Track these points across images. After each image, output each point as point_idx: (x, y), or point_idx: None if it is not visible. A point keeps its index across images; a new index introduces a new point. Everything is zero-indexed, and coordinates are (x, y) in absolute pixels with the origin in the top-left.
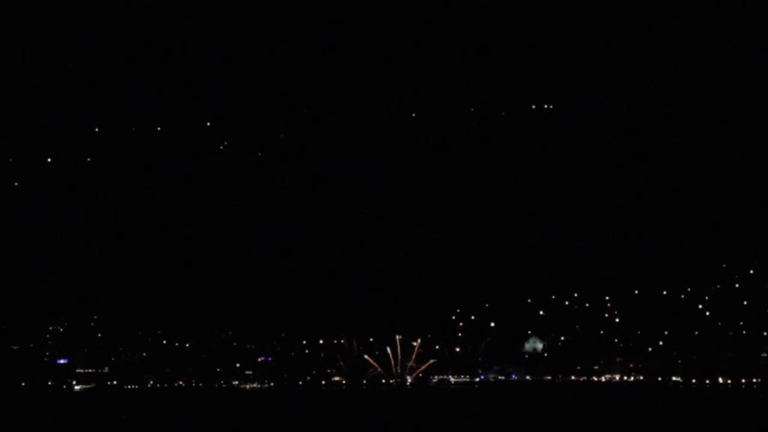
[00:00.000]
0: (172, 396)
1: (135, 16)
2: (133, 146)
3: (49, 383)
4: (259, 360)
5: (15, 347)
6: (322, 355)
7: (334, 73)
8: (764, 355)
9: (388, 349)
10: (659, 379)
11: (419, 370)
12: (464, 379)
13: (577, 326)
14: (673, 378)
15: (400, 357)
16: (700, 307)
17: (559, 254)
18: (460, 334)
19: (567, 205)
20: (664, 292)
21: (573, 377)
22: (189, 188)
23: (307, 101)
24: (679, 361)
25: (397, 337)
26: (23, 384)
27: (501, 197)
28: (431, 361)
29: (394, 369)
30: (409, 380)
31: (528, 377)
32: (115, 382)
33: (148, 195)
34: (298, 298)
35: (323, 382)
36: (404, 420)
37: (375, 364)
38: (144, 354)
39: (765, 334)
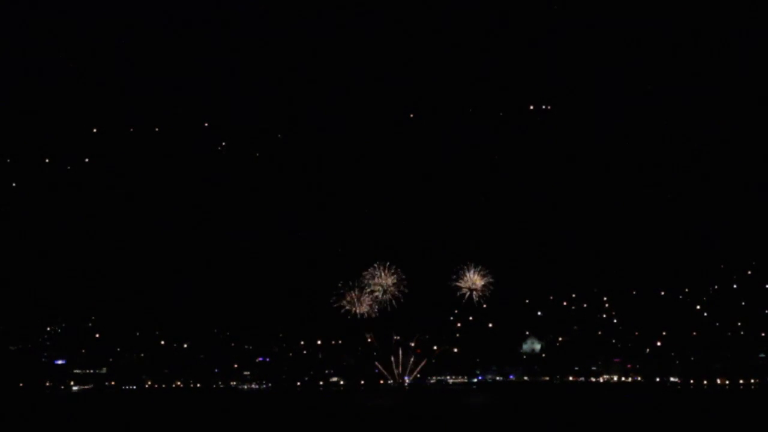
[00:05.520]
0: (170, 397)
1: (135, 15)
2: (133, 146)
3: (47, 384)
4: (258, 360)
5: (13, 348)
6: (320, 355)
7: (333, 72)
8: (762, 355)
9: (391, 352)
10: (657, 379)
11: (421, 366)
12: (462, 380)
13: (575, 327)
14: (671, 378)
15: (400, 357)
16: (698, 307)
17: (557, 255)
18: (458, 335)
19: (565, 206)
20: (662, 293)
21: (571, 378)
22: (187, 188)
23: (306, 101)
24: (677, 362)
25: (397, 337)
26: (21, 384)
27: (499, 198)
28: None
29: (394, 369)
30: (408, 381)
31: (526, 378)
32: (112, 383)
33: (147, 195)
34: (297, 298)
35: (321, 383)
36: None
37: (378, 365)
38: (142, 355)
39: (763, 334)
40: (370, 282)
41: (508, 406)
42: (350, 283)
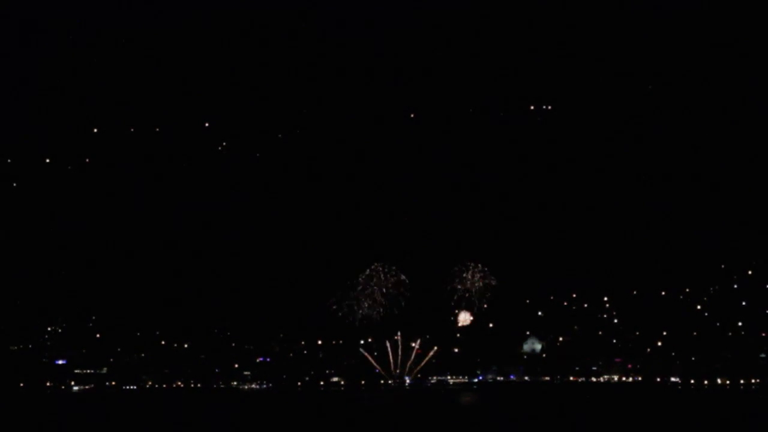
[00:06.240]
0: (170, 397)
1: (134, 15)
2: (133, 146)
3: (48, 384)
4: (258, 360)
5: (14, 348)
6: (321, 355)
7: (333, 71)
8: (763, 355)
9: (389, 349)
10: (658, 379)
11: (421, 366)
12: (463, 380)
13: (575, 327)
14: (672, 378)
15: (400, 357)
16: (699, 307)
17: (557, 255)
18: (458, 335)
19: (566, 206)
20: (663, 293)
21: (572, 378)
22: (187, 188)
23: (306, 100)
24: (678, 362)
25: (397, 337)
26: (22, 384)
27: (500, 198)
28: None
29: (393, 369)
30: (408, 381)
31: (526, 378)
32: (113, 383)
33: (147, 195)
34: (297, 298)
35: (322, 383)
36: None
37: (375, 364)
38: (142, 355)
39: (763, 334)
40: (370, 283)
41: (509, 406)
42: (350, 284)
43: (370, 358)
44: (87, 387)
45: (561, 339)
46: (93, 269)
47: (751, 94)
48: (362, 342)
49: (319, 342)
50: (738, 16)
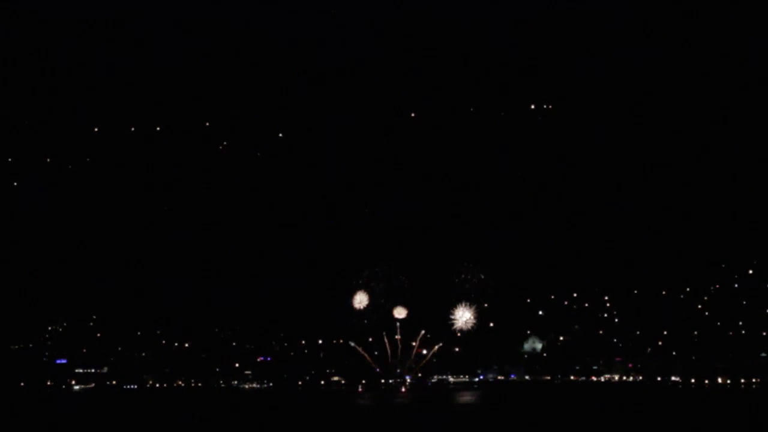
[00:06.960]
0: (171, 396)
1: (135, 15)
2: (133, 146)
3: (49, 383)
4: (259, 360)
5: (14, 347)
6: (321, 355)
7: (333, 71)
8: (763, 355)
9: (389, 348)
10: (658, 379)
11: (421, 365)
12: (463, 379)
13: (576, 326)
14: (672, 378)
15: (400, 357)
16: (700, 307)
17: (558, 254)
18: (458, 334)
19: (566, 205)
20: (664, 292)
21: (572, 377)
22: (188, 188)
23: (307, 100)
24: (678, 362)
25: (397, 336)
26: (23, 384)
27: (500, 197)
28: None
29: (393, 368)
30: (408, 380)
31: (527, 377)
32: (114, 382)
33: (148, 195)
34: (297, 298)
35: (322, 382)
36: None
37: (373, 363)
38: (143, 354)
39: (764, 334)
40: (371, 283)
41: (509, 405)
42: (351, 283)
43: (365, 355)
44: (88, 386)
45: (561, 338)
46: (93, 268)
47: (752, 92)
48: (358, 341)
49: (320, 341)
50: (738, 16)
